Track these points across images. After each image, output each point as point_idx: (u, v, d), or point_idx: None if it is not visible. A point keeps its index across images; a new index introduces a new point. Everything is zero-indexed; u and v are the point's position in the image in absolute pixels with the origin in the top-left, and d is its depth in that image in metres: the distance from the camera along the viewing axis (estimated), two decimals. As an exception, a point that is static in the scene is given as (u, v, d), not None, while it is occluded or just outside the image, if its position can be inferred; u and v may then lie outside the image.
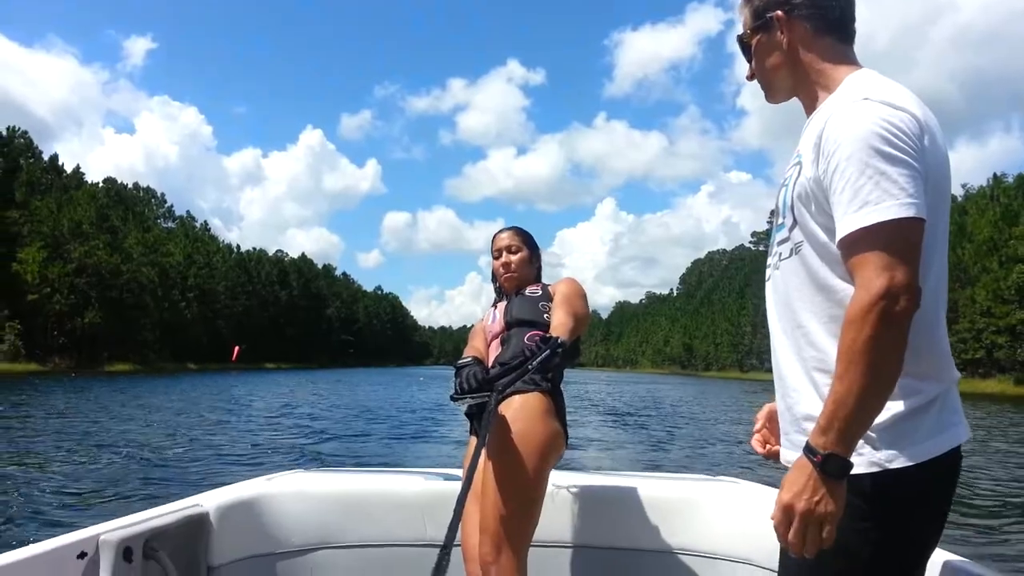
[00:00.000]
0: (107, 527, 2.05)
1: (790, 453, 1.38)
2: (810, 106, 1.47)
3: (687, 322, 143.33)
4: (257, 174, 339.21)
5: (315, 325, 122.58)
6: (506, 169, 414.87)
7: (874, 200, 1.21)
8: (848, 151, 1.24)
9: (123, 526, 2.08)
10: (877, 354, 1.19)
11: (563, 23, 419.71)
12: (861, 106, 1.28)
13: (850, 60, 1.45)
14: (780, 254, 1.41)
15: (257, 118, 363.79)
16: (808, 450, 1.21)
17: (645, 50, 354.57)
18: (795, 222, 1.36)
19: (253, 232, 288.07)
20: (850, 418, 1.19)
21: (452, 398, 2.23)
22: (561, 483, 2.84)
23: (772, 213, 1.48)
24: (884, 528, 1.26)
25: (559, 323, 2.31)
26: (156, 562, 2.10)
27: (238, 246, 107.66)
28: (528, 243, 2.67)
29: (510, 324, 2.51)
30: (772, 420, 1.60)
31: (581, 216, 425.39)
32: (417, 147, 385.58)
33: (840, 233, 1.25)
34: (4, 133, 67.10)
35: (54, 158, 74.56)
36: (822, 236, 1.31)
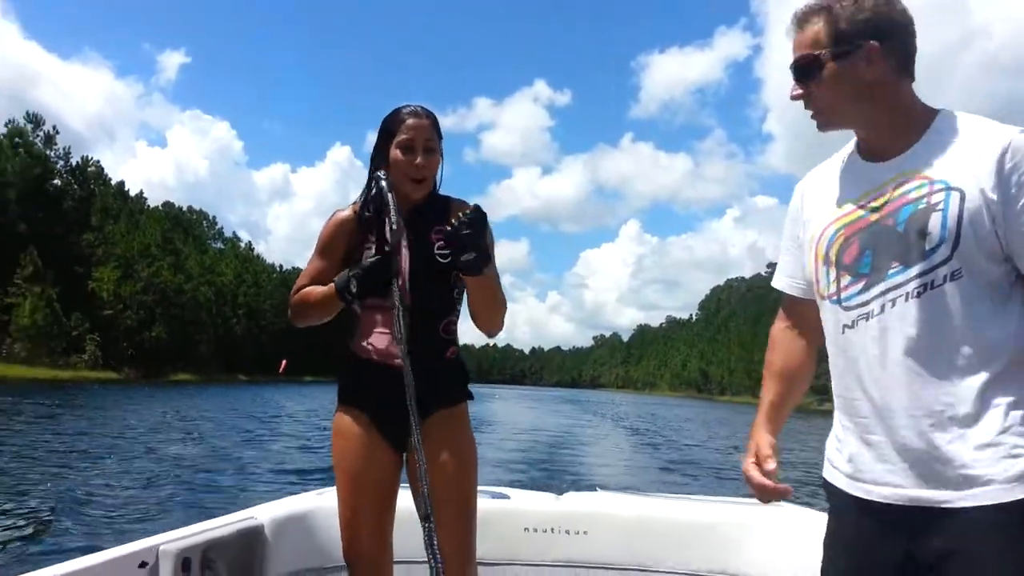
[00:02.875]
0: (166, 538, 2.12)
1: (945, 494, 1.33)
2: (885, 142, 1.43)
3: (704, 348, 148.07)
4: (285, 189, 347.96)
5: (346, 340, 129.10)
6: (531, 189, 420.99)
7: None
8: None
9: (182, 537, 2.14)
10: None
11: (591, 45, 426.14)
12: None
13: (921, 101, 1.45)
14: (931, 281, 1.34)
15: (287, 134, 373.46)
16: None
17: (672, 73, 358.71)
18: (956, 248, 1.32)
19: (279, 246, 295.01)
20: None
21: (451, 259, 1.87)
22: (603, 505, 2.92)
23: (872, 237, 1.40)
24: None
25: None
26: (213, 573, 2.16)
27: (281, 266, 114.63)
28: (440, 141, 2.11)
29: (415, 286, 2.05)
30: (773, 456, 1.57)
31: (605, 237, 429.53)
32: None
33: None
34: (79, 162, 73.99)
35: (120, 184, 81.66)
36: (985, 263, 1.32)
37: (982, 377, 1.32)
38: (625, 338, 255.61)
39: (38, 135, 66.13)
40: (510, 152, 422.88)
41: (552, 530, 2.81)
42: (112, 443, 14.54)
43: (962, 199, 1.32)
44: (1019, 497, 1.28)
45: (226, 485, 10.22)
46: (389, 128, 2.08)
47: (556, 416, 37.17)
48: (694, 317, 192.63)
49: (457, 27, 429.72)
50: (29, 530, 7.14)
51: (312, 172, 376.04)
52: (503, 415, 32.42)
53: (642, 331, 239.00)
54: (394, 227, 1.98)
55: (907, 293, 1.36)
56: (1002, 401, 1.32)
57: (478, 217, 1.85)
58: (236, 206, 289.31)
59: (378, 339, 2.09)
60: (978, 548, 1.29)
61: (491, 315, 2.10)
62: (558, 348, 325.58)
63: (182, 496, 9.16)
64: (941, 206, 1.34)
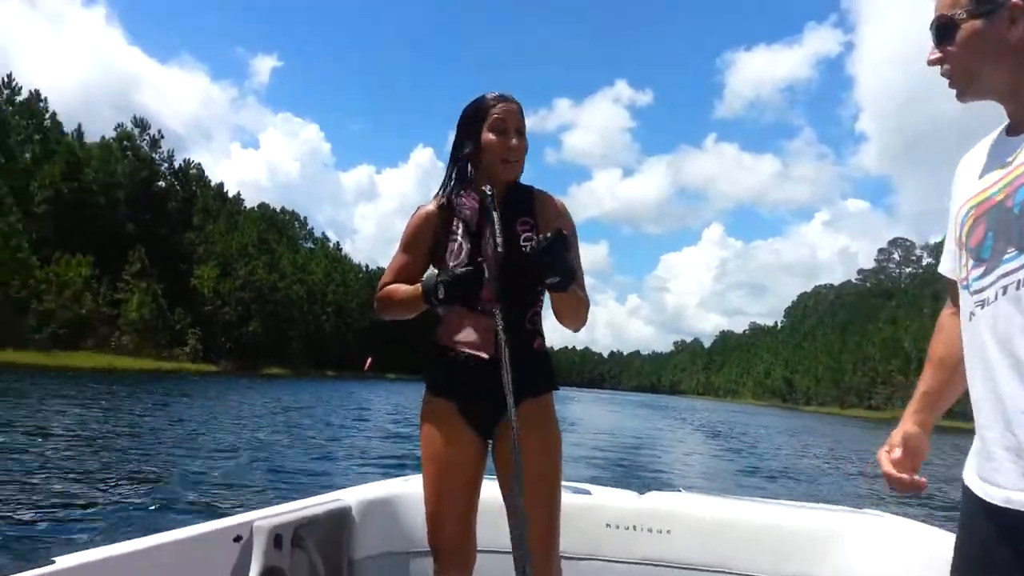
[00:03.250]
0: (260, 514, 2.20)
1: None
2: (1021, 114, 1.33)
3: (789, 355, 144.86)
4: (371, 190, 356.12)
5: (428, 338, 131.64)
6: (611, 190, 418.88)
7: None
8: None
9: (274, 514, 2.22)
10: None
11: (673, 43, 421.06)
12: None
13: None
14: None
15: (373, 136, 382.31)
16: None
17: (758, 70, 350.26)
18: None
19: (365, 245, 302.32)
20: None
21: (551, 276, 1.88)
22: (686, 505, 2.88)
23: (994, 219, 1.32)
24: None
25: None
26: (303, 550, 2.24)
27: (367, 265, 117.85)
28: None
29: (505, 293, 2.06)
30: (907, 448, 1.54)
31: (687, 240, 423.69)
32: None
33: None
34: (181, 165, 77.84)
35: (220, 186, 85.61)
36: None
37: None
38: (707, 344, 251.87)
39: (144, 139, 70.16)
40: (590, 153, 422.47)
41: (634, 527, 2.82)
42: (215, 430, 15.49)
43: None
44: None
45: (317, 470, 10.71)
46: (477, 112, 2.09)
47: (635, 419, 37.43)
48: (779, 324, 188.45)
49: (537, 27, 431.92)
50: (138, 500, 7.75)
51: (396, 173, 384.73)
52: (582, 416, 33.35)
53: (724, 337, 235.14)
54: (499, 248, 1.98)
55: (1018, 280, 1.27)
56: None
57: (557, 240, 1.86)
58: (324, 206, 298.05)
59: (466, 332, 2.10)
60: None
61: (574, 316, 2.12)
62: (637, 352, 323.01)
63: (275, 479, 9.61)
64: None
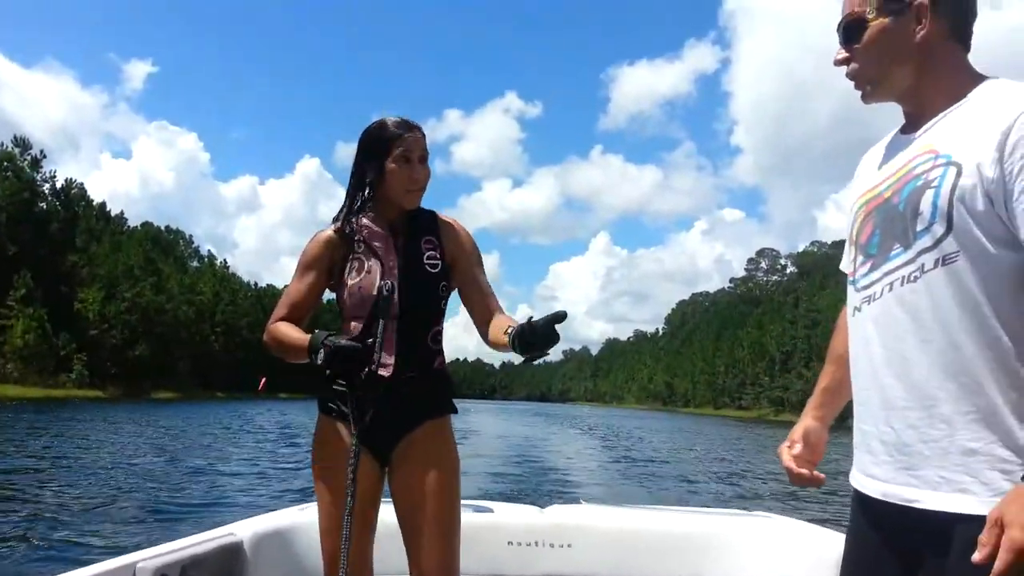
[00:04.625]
0: (144, 555, 2.06)
1: (919, 493, 1.25)
2: (923, 111, 1.34)
3: (670, 361, 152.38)
4: (253, 201, 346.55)
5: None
6: (501, 201, 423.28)
7: None
8: None
9: (159, 554, 2.09)
10: None
11: (561, 57, 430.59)
12: None
13: (975, 70, 1.34)
14: (922, 265, 1.25)
15: (255, 146, 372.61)
16: None
17: (641, 85, 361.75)
18: (949, 229, 1.22)
19: (246, 259, 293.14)
20: None
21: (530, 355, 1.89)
22: (587, 518, 2.88)
23: (881, 215, 1.33)
24: None
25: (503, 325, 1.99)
26: None
27: (256, 283, 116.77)
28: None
29: (404, 310, 2.04)
30: (807, 443, 1.56)
31: (575, 250, 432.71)
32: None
33: None
34: (63, 184, 75.89)
35: (103, 205, 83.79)
36: (989, 246, 1.19)
37: (978, 374, 1.20)
38: (594, 351, 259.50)
39: (25, 159, 68.28)
40: (480, 164, 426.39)
41: (536, 543, 2.80)
42: (90, 460, 14.47)
43: (957, 175, 1.21)
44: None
45: (205, 502, 10.11)
46: (380, 140, 2.07)
47: (530, 428, 39.45)
48: (660, 331, 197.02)
49: (427, 38, 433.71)
50: (4, 549, 7.05)
51: (281, 184, 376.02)
52: (479, 427, 34.33)
53: (611, 345, 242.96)
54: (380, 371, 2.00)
55: (903, 277, 1.28)
56: (999, 405, 1.19)
57: (552, 323, 1.83)
58: (202, 218, 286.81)
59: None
60: (941, 560, 1.20)
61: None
62: (528, 362, 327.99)
63: (160, 513, 9.01)
64: (936, 183, 1.24)
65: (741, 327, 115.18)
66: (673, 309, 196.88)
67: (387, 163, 2.08)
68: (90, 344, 66.10)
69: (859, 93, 1.42)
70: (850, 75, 1.41)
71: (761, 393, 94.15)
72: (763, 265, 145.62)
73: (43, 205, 69.26)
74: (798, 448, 1.57)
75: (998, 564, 1.05)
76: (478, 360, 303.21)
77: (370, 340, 2.01)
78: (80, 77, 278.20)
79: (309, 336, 2.02)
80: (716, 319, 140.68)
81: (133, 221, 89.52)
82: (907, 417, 1.28)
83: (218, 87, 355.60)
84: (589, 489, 13.26)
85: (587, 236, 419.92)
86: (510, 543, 2.84)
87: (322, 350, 1.95)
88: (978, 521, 1.12)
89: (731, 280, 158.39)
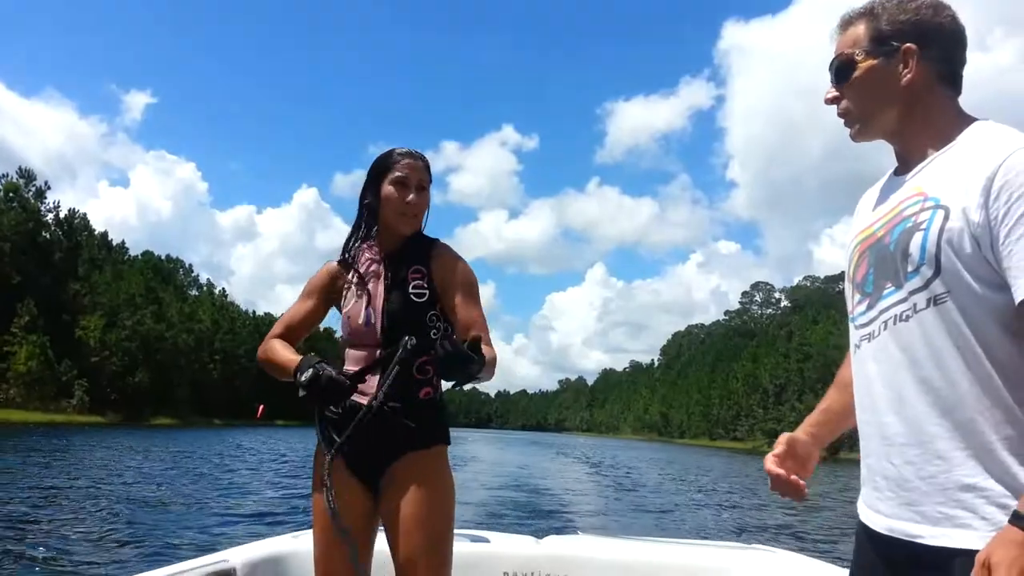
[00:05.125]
0: None
1: (920, 528, 1.27)
2: (911, 153, 1.39)
3: (665, 392, 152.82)
4: (250, 230, 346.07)
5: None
6: (497, 232, 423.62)
7: None
8: None
9: None
10: None
11: (558, 91, 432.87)
12: None
13: (965, 113, 1.38)
14: (914, 305, 1.28)
15: (253, 175, 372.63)
16: (1020, 520, 1.12)
17: (637, 119, 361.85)
18: (938, 272, 1.25)
19: (242, 287, 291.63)
20: None
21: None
22: (585, 549, 2.85)
23: (875, 255, 1.37)
24: None
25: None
26: None
27: (254, 312, 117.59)
28: (430, 184, 2.20)
29: (390, 327, 2.10)
30: (792, 452, 1.58)
31: (571, 281, 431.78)
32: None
33: None
34: (66, 214, 77.05)
35: (104, 234, 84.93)
36: (977, 288, 1.23)
37: (972, 412, 1.24)
38: (590, 381, 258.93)
39: (30, 189, 69.52)
40: (477, 195, 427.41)
41: (532, 574, 2.76)
42: (86, 486, 14.36)
43: (945, 218, 1.25)
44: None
45: (199, 528, 10.04)
46: (383, 166, 2.15)
47: (525, 456, 40.08)
48: (656, 362, 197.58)
49: (425, 72, 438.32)
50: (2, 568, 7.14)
51: (278, 213, 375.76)
52: (475, 456, 34.54)
53: (607, 375, 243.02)
54: (375, 402, 2.03)
55: (895, 316, 1.32)
56: (994, 441, 1.22)
57: (461, 351, 1.84)
58: (199, 246, 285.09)
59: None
60: None
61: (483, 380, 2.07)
62: (524, 391, 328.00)
63: (153, 539, 8.98)
64: (924, 225, 1.28)
65: (736, 359, 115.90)
66: (669, 340, 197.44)
67: (384, 186, 2.15)
68: (91, 371, 66.79)
69: (849, 129, 1.47)
70: (840, 113, 1.46)
71: (755, 425, 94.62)
72: (757, 298, 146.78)
73: (46, 235, 70.39)
74: (781, 449, 1.59)
75: None
76: (473, 389, 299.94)
77: (359, 370, 2.06)
78: (80, 107, 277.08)
79: (299, 357, 2.09)
80: (711, 351, 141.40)
81: (131, 249, 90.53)
82: (906, 453, 1.31)
83: (217, 117, 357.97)
84: (587, 519, 13.21)
85: (584, 267, 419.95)
86: (506, 574, 2.80)
87: (309, 370, 1.99)
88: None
89: (726, 313, 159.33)
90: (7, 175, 68.63)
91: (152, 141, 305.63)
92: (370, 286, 2.17)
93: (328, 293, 2.25)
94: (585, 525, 11.92)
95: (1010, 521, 1.14)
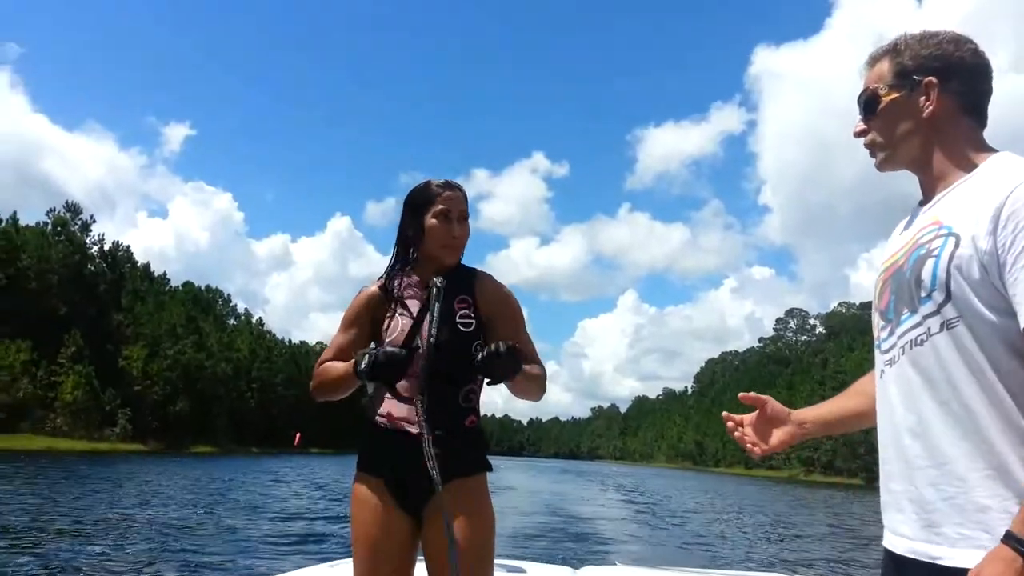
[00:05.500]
0: None
1: (941, 550, 1.30)
2: (933, 183, 1.44)
3: (699, 419, 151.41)
4: (285, 259, 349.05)
5: (351, 413, 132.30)
6: (528, 258, 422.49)
7: None
8: None
9: None
10: None
11: (588, 118, 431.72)
12: None
13: (987, 144, 1.43)
14: (928, 329, 1.34)
15: (288, 204, 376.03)
16: (1012, 540, 1.16)
17: (668, 145, 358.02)
18: (948, 297, 1.30)
19: (277, 315, 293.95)
20: None
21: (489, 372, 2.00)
22: None
23: (895, 282, 1.42)
24: None
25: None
26: None
27: (290, 340, 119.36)
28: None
29: (437, 356, 2.09)
30: (767, 412, 1.69)
31: (603, 307, 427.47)
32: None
33: None
34: (110, 247, 79.24)
35: (147, 266, 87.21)
36: (986, 313, 1.27)
37: (988, 433, 1.27)
38: (623, 409, 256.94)
39: (76, 223, 71.86)
40: (508, 222, 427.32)
41: None
42: (127, 514, 14.65)
43: (956, 246, 1.31)
44: None
45: (237, 557, 10.16)
46: (423, 199, 2.17)
47: (559, 484, 40.28)
48: (689, 389, 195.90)
49: (455, 100, 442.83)
50: None
51: (312, 242, 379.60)
52: (510, 484, 34.28)
53: (639, 402, 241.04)
54: (432, 339, 2.06)
55: (912, 340, 1.37)
56: (1011, 462, 1.25)
57: (502, 354, 1.93)
58: (235, 275, 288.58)
59: (393, 407, 2.11)
60: None
61: (529, 395, 2.17)
62: (556, 419, 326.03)
63: (192, 568, 9.12)
64: (936, 252, 1.33)
65: (770, 387, 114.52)
66: (702, 367, 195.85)
67: (427, 219, 2.16)
68: (133, 399, 68.34)
69: (874, 159, 1.53)
70: (867, 145, 1.53)
71: (792, 454, 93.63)
72: (792, 325, 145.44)
73: (91, 267, 72.55)
74: (754, 415, 1.73)
75: None
76: (506, 416, 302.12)
77: (409, 348, 2.09)
78: (120, 139, 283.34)
79: (352, 361, 2.09)
80: (745, 378, 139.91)
81: (170, 279, 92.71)
82: (927, 476, 1.33)
83: (253, 148, 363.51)
84: (623, 549, 13.19)
85: (615, 293, 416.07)
86: None
87: (365, 357, 2.02)
88: None
89: (760, 339, 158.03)
90: (55, 209, 71.16)
91: (190, 172, 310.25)
92: (416, 315, 2.16)
93: (368, 319, 2.24)
94: (622, 554, 12.00)
95: (1002, 540, 1.18)
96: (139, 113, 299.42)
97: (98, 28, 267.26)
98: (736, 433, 1.74)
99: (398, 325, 2.16)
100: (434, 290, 2.09)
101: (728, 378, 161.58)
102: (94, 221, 74.23)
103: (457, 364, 2.11)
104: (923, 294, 1.35)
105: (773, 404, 1.72)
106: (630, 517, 20.90)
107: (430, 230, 2.16)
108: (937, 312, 1.33)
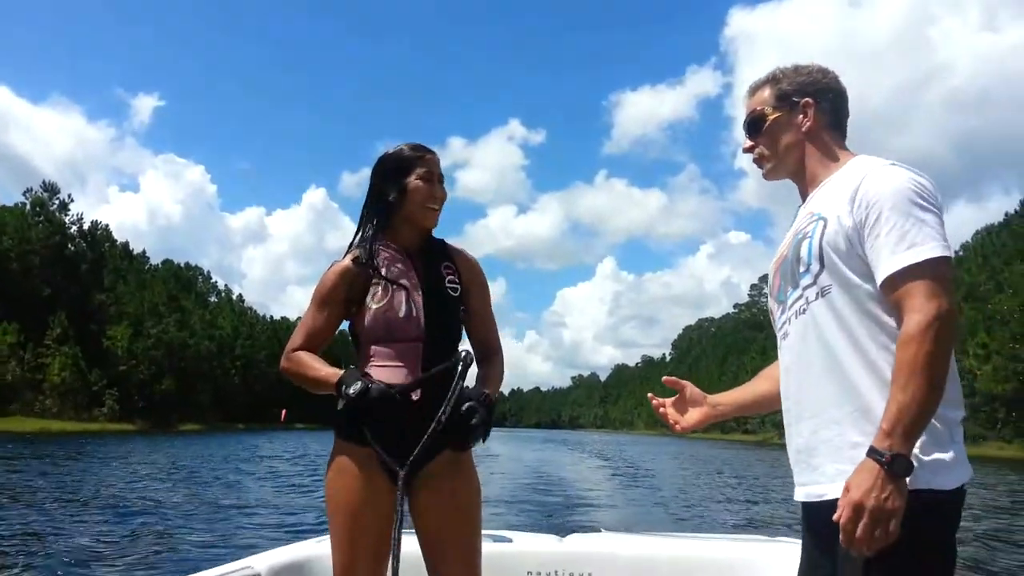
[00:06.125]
0: None
1: (824, 487, 1.51)
2: (808, 184, 1.71)
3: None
4: (260, 232, 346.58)
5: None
6: (506, 227, 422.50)
7: (919, 241, 1.43)
8: (892, 202, 1.47)
9: None
10: (934, 368, 1.37)
11: (563, 84, 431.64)
12: (894, 168, 1.54)
13: (849, 150, 1.70)
14: (807, 298, 1.58)
15: (262, 177, 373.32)
16: (874, 452, 1.37)
17: (644, 110, 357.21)
18: (822, 267, 1.55)
19: (254, 289, 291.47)
20: (912, 423, 1.36)
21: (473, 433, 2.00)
22: (607, 546, 2.87)
23: (782, 269, 1.67)
24: (928, 542, 1.41)
25: (494, 376, 2.18)
26: None
27: (271, 316, 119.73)
28: None
29: (430, 319, 2.10)
30: (687, 394, 1.98)
31: (582, 275, 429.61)
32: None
33: (888, 270, 1.45)
34: (89, 226, 78.95)
35: (125, 244, 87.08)
36: (854, 278, 1.52)
37: (855, 381, 1.50)
38: (603, 377, 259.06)
39: (54, 203, 71.62)
40: (484, 190, 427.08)
41: (556, 573, 2.79)
42: (113, 493, 14.41)
43: (824, 226, 1.56)
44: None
45: (223, 534, 9.98)
46: (405, 162, 2.14)
47: (542, 453, 40.99)
48: (667, 356, 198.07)
49: (429, 68, 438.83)
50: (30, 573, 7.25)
51: (287, 214, 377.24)
52: (493, 453, 33.75)
53: (619, 370, 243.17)
54: (444, 415, 1.98)
55: (796, 311, 1.62)
56: (874, 403, 1.46)
57: (486, 410, 1.98)
58: (209, 249, 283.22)
59: (378, 372, 2.06)
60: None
61: (494, 388, 2.19)
62: (537, 389, 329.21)
63: (177, 547, 8.96)
64: (811, 233, 1.59)
65: (745, 352, 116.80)
66: (680, 334, 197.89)
67: (410, 180, 2.13)
68: (119, 379, 68.73)
69: (762, 171, 1.78)
70: (755, 159, 1.78)
71: (765, 418, 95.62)
72: (765, 290, 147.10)
73: (72, 247, 72.45)
74: (676, 397, 2.02)
75: (837, 515, 1.39)
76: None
77: (408, 384, 2.04)
78: (87, 112, 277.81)
79: (339, 371, 2.05)
80: (721, 344, 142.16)
81: (145, 254, 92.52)
82: (810, 425, 1.57)
83: (225, 119, 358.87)
84: (607, 516, 13.19)
85: (593, 261, 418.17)
86: (530, 573, 2.81)
87: (357, 383, 1.96)
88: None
89: (735, 305, 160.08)
90: (32, 189, 70.87)
91: (161, 145, 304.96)
92: (403, 281, 2.13)
93: (344, 295, 2.16)
94: (607, 522, 11.91)
95: (867, 454, 1.39)
96: (106, 85, 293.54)
97: None
98: (660, 411, 2.04)
99: (393, 299, 2.11)
100: (460, 366, 2.06)
101: (705, 344, 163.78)
102: (72, 200, 73.93)
103: (448, 327, 2.17)
104: (802, 269, 1.61)
105: (692, 388, 2.04)
106: (613, 484, 21.01)
107: (414, 191, 2.14)
108: (814, 283, 1.59)
